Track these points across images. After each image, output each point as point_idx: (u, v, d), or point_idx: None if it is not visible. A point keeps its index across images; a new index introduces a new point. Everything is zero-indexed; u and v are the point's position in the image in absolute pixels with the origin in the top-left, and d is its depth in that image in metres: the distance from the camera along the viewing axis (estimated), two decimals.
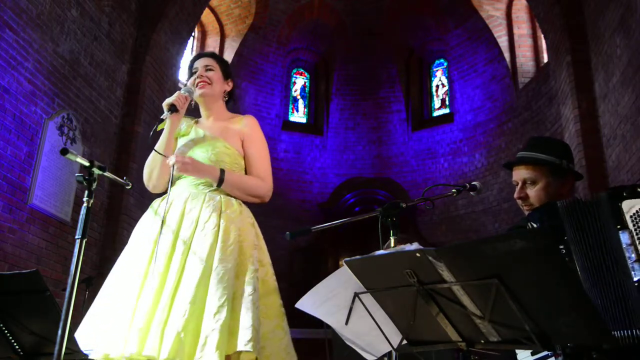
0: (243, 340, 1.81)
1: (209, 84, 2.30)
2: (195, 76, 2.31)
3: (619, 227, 1.61)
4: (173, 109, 2.15)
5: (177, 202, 2.10)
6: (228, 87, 2.39)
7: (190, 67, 2.38)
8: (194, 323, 1.83)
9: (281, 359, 1.98)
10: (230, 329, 1.84)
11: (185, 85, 2.32)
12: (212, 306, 1.84)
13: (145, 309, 1.86)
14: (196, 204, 2.07)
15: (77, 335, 1.88)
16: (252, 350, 1.81)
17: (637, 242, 1.58)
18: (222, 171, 2.11)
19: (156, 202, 2.18)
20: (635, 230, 1.59)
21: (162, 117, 2.15)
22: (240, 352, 1.84)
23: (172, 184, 2.18)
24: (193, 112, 2.39)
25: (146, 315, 1.84)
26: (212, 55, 2.41)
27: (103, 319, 1.92)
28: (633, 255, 1.58)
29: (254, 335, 1.83)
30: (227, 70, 2.40)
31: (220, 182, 2.10)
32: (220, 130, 2.27)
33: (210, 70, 2.33)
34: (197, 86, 2.29)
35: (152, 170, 2.20)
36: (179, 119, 2.22)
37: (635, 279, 1.56)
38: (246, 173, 2.28)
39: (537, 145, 2.02)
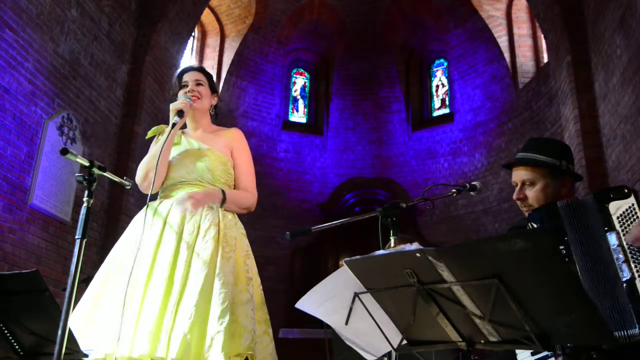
0: (246, 344, 1.91)
1: (199, 98, 2.37)
2: (186, 89, 2.37)
3: (606, 228, 1.62)
4: (180, 114, 2.23)
5: (178, 208, 2.14)
6: (214, 101, 2.49)
7: (179, 78, 2.44)
8: (199, 326, 1.90)
9: None
10: (231, 332, 1.92)
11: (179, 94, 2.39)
12: (217, 310, 1.92)
13: (153, 312, 1.91)
14: (196, 212, 2.13)
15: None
16: (254, 353, 1.93)
17: (625, 243, 1.60)
18: (223, 192, 2.22)
19: (155, 203, 2.19)
20: (623, 231, 1.61)
21: (173, 122, 2.21)
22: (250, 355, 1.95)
23: (169, 189, 2.26)
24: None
25: (156, 319, 1.89)
26: (200, 69, 2.50)
27: (101, 318, 1.93)
28: (621, 256, 1.59)
29: (253, 339, 1.95)
30: (214, 85, 2.50)
31: (223, 202, 2.20)
32: (211, 142, 2.35)
33: (200, 85, 2.41)
34: None
35: (148, 171, 2.23)
36: (181, 124, 2.29)
37: (623, 279, 1.57)
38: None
39: (537, 147, 2.02)
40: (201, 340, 1.88)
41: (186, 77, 2.41)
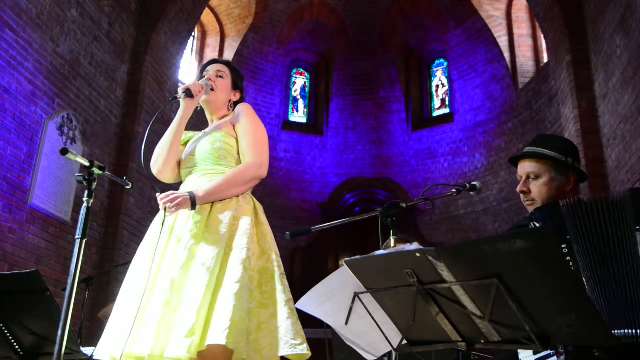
0: (216, 333, 1.76)
1: (213, 90, 2.27)
2: (204, 79, 2.28)
3: (638, 227, 1.60)
4: (188, 92, 2.14)
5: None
6: (235, 97, 2.35)
7: (203, 70, 2.36)
8: (170, 313, 1.82)
9: (276, 350, 1.89)
10: (207, 319, 1.81)
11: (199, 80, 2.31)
12: (189, 296, 1.83)
13: (136, 308, 1.86)
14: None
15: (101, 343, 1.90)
16: (224, 343, 1.74)
17: None
18: (192, 196, 1.99)
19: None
20: None
21: (176, 96, 2.14)
22: (224, 347, 1.77)
23: (182, 184, 2.21)
24: (198, 122, 2.40)
25: (137, 314, 1.85)
26: (226, 63, 2.40)
27: (109, 322, 1.95)
28: None
29: (232, 329, 1.77)
30: (238, 81, 2.37)
31: (193, 203, 1.99)
32: (219, 126, 2.26)
33: (220, 77, 2.31)
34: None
35: (159, 155, 2.19)
36: (192, 106, 2.20)
37: None
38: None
39: (544, 142, 2.02)
40: (171, 328, 1.80)
41: (209, 68, 2.33)
